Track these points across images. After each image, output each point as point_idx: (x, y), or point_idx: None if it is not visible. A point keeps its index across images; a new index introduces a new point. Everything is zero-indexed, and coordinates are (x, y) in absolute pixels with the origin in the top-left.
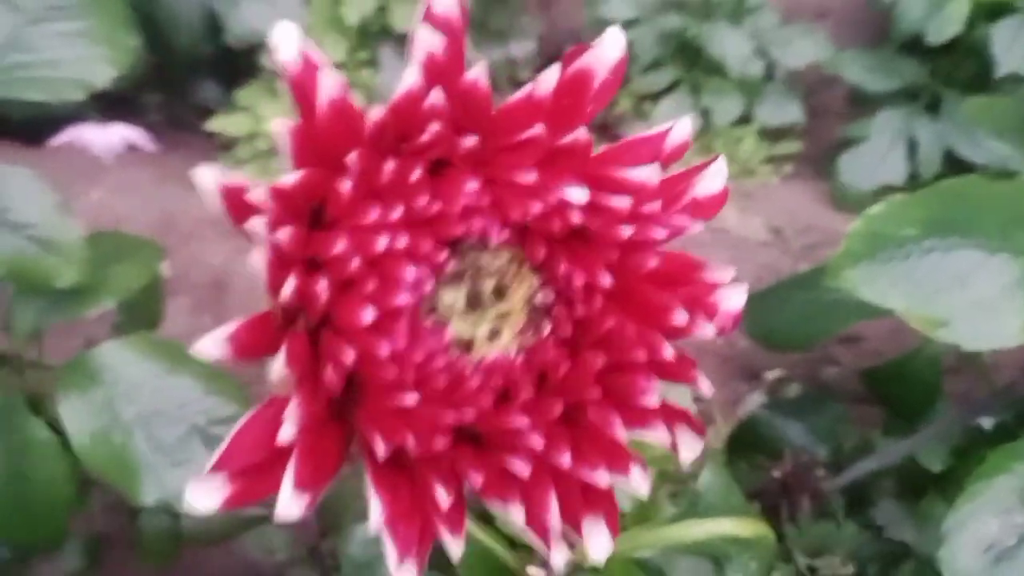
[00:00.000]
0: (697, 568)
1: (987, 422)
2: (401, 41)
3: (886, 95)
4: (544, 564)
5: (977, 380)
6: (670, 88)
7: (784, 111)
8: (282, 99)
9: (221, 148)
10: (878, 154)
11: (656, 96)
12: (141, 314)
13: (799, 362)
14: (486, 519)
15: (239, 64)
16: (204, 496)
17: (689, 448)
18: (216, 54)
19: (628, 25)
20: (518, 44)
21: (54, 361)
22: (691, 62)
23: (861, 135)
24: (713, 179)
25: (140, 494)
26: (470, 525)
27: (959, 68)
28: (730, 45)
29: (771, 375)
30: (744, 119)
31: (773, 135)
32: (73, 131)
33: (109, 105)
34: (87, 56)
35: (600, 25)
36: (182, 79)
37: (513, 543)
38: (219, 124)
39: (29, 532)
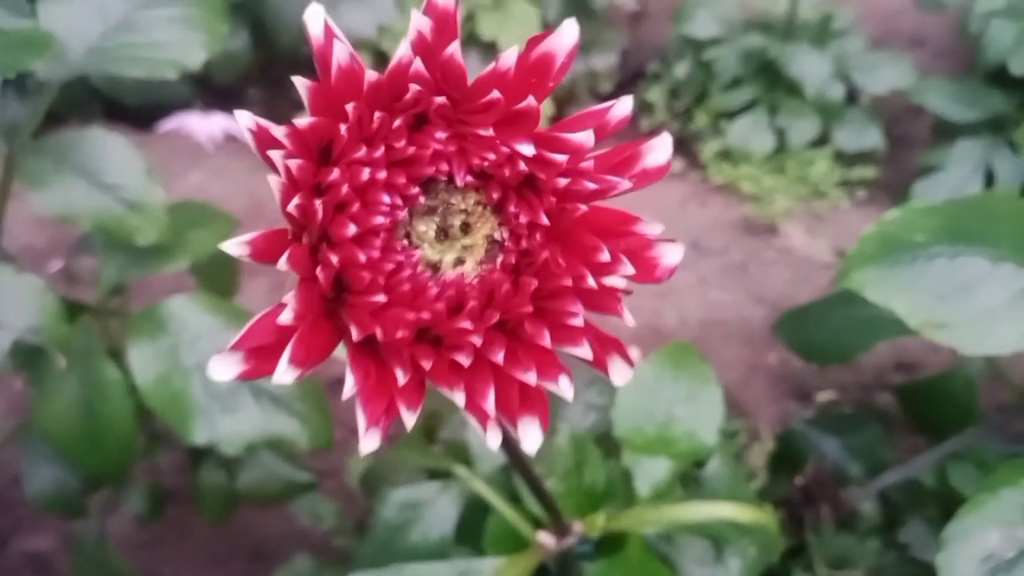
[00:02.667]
0: (701, 551)
1: None
2: (487, 49)
3: (969, 125)
4: (556, 531)
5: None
6: (748, 107)
7: (863, 136)
8: None
9: None
10: (955, 184)
11: (733, 114)
12: (217, 282)
13: (853, 385)
14: (514, 498)
15: None
16: (224, 367)
17: (620, 374)
18: None
19: (712, 44)
20: (599, 56)
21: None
22: (771, 82)
23: (939, 164)
24: (659, 152)
25: (192, 434)
26: (498, 502)
27: None
28: (808, 67)
29: (822, 396)
30: (821, 141)
31: (850, 160)
32: (179, 119)
33: (215, 97)
34: (184, 40)
35: (685, 42)
36: (283, 76)
37: (538, 523)
38: None
39: (97, 461)
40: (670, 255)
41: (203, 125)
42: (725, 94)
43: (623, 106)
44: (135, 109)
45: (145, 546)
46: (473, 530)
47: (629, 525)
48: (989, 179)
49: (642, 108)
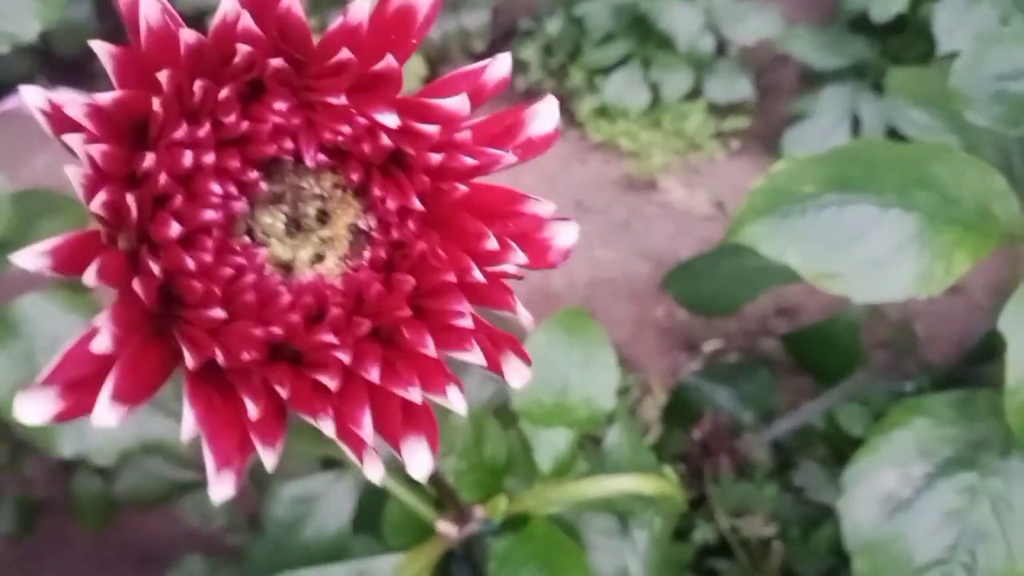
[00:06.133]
0: (606, 521)
1: (911, 388)
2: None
3: (834, 72)
4: (457, 519)
5: (905, 352)
6: (622, 62)
7: (734, 87)
8: None
9: None
10: (823, 130)
11: (608, 70)
12: None
13: (737, 333)
14: (412, 481)
15: None
16: (35, 408)
17: (517, 375)
18: None
19: None
20: (470, 15)
21: None
22: (643, 36)
23: (808, 111)
24: (545, 118)
25: (59, 447)
26: (394, 487)
27: (908, 47)
28: (679, 20)
29: (709, 346)
30: (694, 94)
31: (723, 111)
32: (19, 97)
33: (58, 72)
34: (15, 9)
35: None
36: None
37: (440, 504)
38: None
39: None
40: (564, 235)
41: None
42: (598, 50)
43: (500, 65)
44: None
45: (20, 561)
46: (373, 519)
47: (532, 506)
48: (856, 125)
49: (517, 66)
